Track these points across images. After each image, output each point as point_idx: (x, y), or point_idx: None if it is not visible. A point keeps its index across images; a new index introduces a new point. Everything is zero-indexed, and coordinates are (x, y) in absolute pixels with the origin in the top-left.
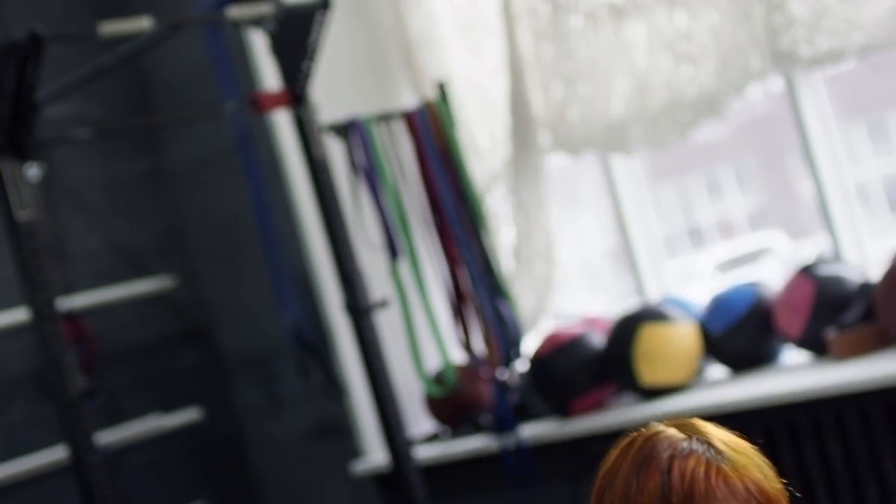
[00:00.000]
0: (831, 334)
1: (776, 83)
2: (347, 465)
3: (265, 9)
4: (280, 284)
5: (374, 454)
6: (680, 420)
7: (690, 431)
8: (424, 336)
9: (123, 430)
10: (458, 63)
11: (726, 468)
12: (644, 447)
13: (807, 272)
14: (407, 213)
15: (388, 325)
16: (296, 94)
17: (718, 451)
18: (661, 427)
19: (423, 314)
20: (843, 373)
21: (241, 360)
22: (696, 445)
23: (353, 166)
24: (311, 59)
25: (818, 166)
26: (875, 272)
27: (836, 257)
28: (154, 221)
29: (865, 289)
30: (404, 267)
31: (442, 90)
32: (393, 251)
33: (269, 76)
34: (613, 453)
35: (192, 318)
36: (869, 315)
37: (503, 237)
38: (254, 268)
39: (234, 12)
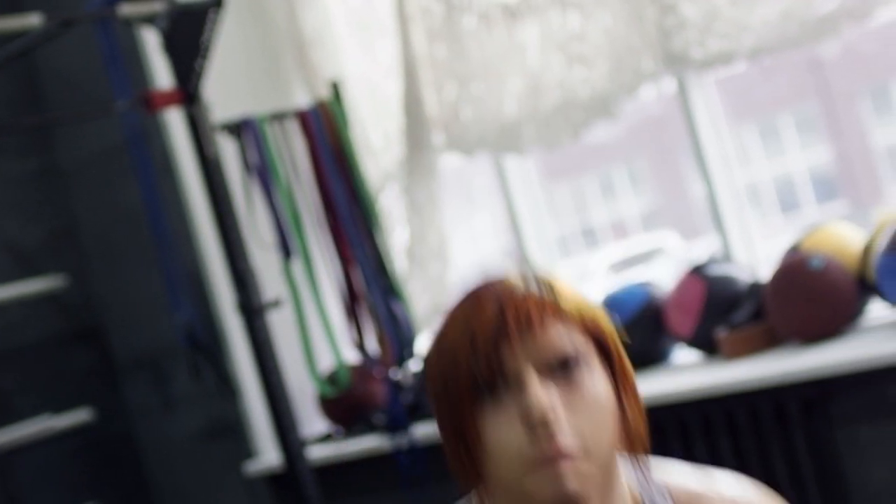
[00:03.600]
0: (721, 334)
1: (668, 85)
2: (240, 465)
3: (157, 6)
4: (172, 284)
5: (267, 454)
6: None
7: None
8: (317, 336)
9: (13, 431)
10: (351, 62)
11: (558, 296)
12: (479, 289)
13: (697, 272)
14: (300, 213)
15: (280, 324)
16: (188, 93)
17: (550, 287)
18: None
19: (316, 314)
20: (733, 371)
21: (132, 360)
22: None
23: (246, 165)
24: (204, 57)
25: (709, 167)
26: (764, 272)
27: (727, 257)
28: (44, 220)
29: (755, 289)
30: (297, 266)
31: (335, 89)
32: (286, 251)
33: (162, 74)
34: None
35: (83, 318)
36: (758, 315)
37: (397, 237)
38: (146, 267)
39: (126, 10)
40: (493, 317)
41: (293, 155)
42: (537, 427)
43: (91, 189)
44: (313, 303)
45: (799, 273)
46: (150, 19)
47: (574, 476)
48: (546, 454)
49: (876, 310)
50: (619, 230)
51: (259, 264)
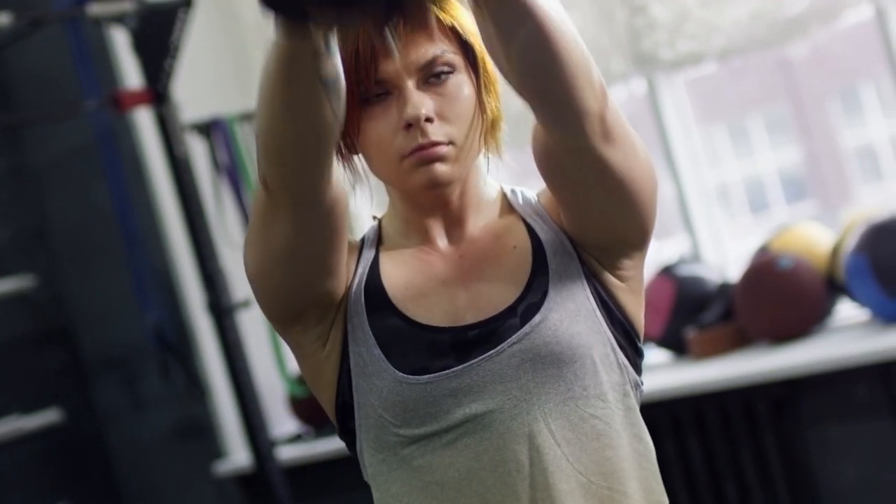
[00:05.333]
0: (691, 334)
1: (638, 85)
2: (210, 465)
3: (126, 6)
4: (141, 284)
5: (237, 455)
6: None
7: None
8: None
9: None
10: None
11: (430, 6)
12: None
13: (667, 272)
14: None
15: (250, 324)
16: (157, 93)
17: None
18: None
19: None
20: (703, 371)
21: (102, 360)
22: None
23: (216, 165)
24: (174, 57)
25: (679, 168)
26: (734, 272)
27: (696, 258)
28: (14, 220)
29: (724, 289)
30: None
31: None
32: None
33: (131, 74)
34: None
35: (52, 318)
36: (728, 315)
37: None
38: (115, 267)
39: (95, 9)
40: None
41: None
42: (414, 127)
43: (61, 189)
44: None
45: (768, 273)
46: (119, 19)
47: (443, 164)
48: (422, 149)
49: (844, 310)
50: None
51: (228, 264)
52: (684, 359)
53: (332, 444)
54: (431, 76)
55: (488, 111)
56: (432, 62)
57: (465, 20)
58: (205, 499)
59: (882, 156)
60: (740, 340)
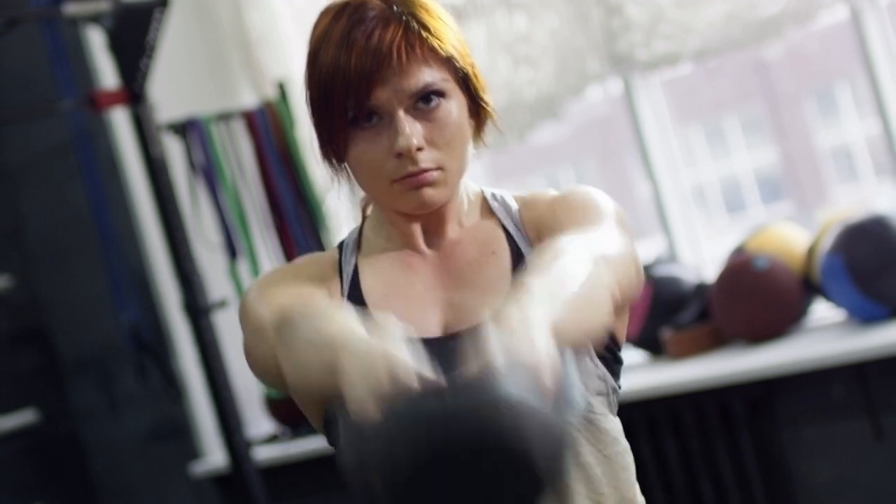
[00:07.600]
0: (667, 334)
1: (614, 86)
2: (187, 466)
3: (102, 6)
4: (117, 284)
5: (214, 455)
6: None
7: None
8: None
9: None
10: (298, 63)
11: (425, 35)
12: (355, 12)
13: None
14: (246, 213)
15: (226, 325)
16: (134, 93)
17: (420, 22)
18: None
19: None
20: (679, 372)
21: (78, 360)
22: (398, 11)
23: (192, 165)
24: (150, 56)
25: (655, 168)
26: (710, 273)
27: (672, 258)
28: None
29: (700, 289)
30: (243, 267)
31: (282, 90)
32: (232, 251)
33: (107, 74)
34: (324, 18)
35: (28, 319)
36: (704, 315)
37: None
38: (91, 267)
39: (71, 9)
40: (363, 55)
41: (239, 155)
42: (404, 157)
43: (36, 189)
44: None
45: (744, 273)
46: (95, 18)
47: (433, 190)
48: (412, 175)
49: (820, 310)
50: None
51: (205, 265)
52: (660, 359)
53: (309, 445)
54: (421, 101)
55: (480, 116)
56: (424, 90)
57: (455, 40)
58: (181, 499)
59: (857, 156)
60: (716, 341)
